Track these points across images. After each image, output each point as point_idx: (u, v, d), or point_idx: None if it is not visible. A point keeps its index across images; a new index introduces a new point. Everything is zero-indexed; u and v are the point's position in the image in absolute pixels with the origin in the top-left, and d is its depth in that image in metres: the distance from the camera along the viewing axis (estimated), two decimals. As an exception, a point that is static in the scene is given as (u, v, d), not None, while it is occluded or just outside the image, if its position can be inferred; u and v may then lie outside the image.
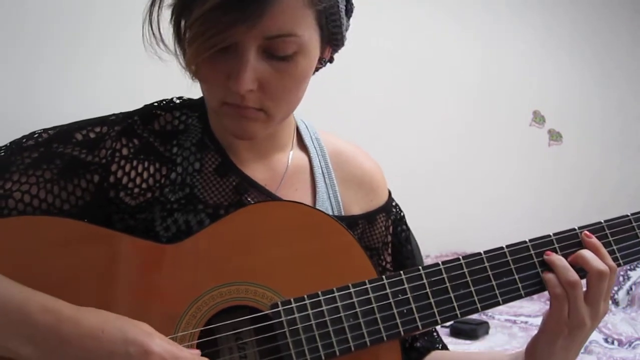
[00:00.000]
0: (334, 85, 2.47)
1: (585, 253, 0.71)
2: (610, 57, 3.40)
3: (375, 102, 2.73)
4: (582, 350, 2.36)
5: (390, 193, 0.90)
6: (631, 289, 2.62)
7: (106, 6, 2.17)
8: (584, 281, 0.70)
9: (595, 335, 2.28)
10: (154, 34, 0.68)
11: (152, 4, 0.68)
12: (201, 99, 0.82)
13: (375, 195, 0.87)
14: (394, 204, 0.89)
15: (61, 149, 0.72)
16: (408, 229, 0.90)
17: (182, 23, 0.66)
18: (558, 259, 0.71)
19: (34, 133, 0.73)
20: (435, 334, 0.88)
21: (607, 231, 0.74)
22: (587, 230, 0.73)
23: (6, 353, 0.59)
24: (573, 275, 0.69)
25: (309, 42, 0.67)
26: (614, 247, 0.74)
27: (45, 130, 0.74)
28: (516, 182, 3.14)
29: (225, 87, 0.66)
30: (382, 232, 0.85)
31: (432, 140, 2.90)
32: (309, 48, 0.67)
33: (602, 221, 0.75)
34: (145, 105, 0.79)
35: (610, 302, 2.67)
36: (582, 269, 0.70)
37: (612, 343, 2.23)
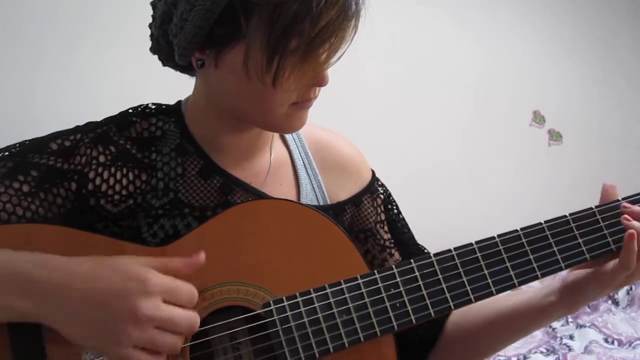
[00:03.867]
0: (332, 85, 2.47)
1: None
2: (611, 56, 3.39)
3: (374, 101, 2.73)
4: (582, 350, 2.33)
5: (374, 173, 0.90)
6: (631, 288, 2.61)
7: (106, 6, 2.17)
8: None
9: (595, 335, 2.28)
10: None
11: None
12: (176, 104, 0.82)
13: (359, 178, 0.88)
14: (379, 183, 0.90)
15: (37, 159, 0.72)
16: (397, 205, 0.90)
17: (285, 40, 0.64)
18: None
19: (8, 146, 0.74)
20: None
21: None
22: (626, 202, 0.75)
23: (6, 312, 0.59)
24: None
25: None
26: None
27: (20, 143, 0.74)
28: (516, 182, 3.13)
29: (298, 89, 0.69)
30: (371, 211, 0.86)
31: (432, 140, 2.90)
32: None
33: (620, 199, 0.77)
34: (121, 112, 0.79)
35: (610, 302, 2.66)
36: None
37: (612, 343, 2.22)
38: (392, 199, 0.90)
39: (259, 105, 0.70)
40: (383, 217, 0.87)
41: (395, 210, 0.89)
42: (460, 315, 0.84)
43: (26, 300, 0.58)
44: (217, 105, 0.76)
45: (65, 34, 2.12)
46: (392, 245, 0.86)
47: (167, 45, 0.73)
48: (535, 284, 0.79)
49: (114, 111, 0.81)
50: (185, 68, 0.78)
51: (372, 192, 0.87)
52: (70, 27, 2.12)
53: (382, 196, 0.88)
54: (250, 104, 0.70)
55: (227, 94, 0.72)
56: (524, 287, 0.74)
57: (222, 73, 0.70)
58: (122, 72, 2.17)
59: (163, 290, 0.58)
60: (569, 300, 0.76)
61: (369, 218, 0.85)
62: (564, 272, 0.76)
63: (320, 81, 0.70)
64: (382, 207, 0.87)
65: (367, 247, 0.85)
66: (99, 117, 0.79)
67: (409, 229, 0.90)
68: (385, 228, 0.87)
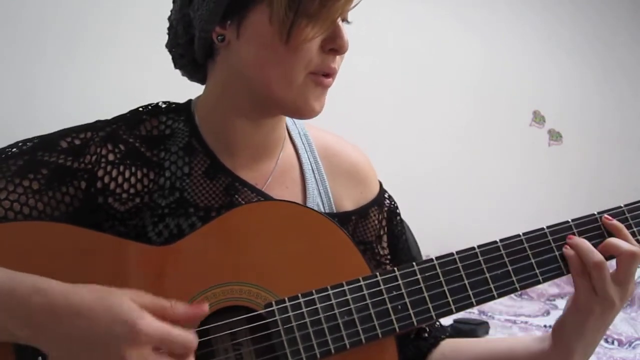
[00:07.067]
0: (333, 85, 2.47)
1: (612, 240, 0.71)
2: (611, 56, 3.39)
3: (374, 102, 2.73)
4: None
5: (381, 185, 0.89)
6: (631, 288, 2.62)
7: (106, 6, 2.17)
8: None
9: (595, 335, 2.28)
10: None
11: None
12: (187, 102, 0.82)
13: (366, 187, 0.87)
14: (386, 195, 0.89)
15: (46, 158, 0.71)
16: (402, 220, 0.89)
17: None
18: (581, 242, 0.71)
19: (17, 142, 0.73)
20: (438, 324, 0.87)
21: (628, 215, 0.75)
22: (607, 214, 0.74)
23: (7, 336, 0.58)
24: (598, 256, 0.69)
25: None
26: (635, 230, 0.75)
27: (29, 139, 0.73)
28: (516, 182, 3.14)
29: (318, 54, 0.69)
30: (376, 225, 0.85)
31: (432, 140, 2.90)
32: None
33: (622, 205, 0.76)
34: (131, 110, 0.79)
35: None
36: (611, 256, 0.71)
37: (612, 343, 2.22)
38: (398, 212, 0.89)
39: (280, 67, 0.69)
40: (385, 231, 0.87)
41: (399, 226, 0.88)
42: (450, 349, 0.84)
43: (25, 328, 0.57)
44: (235, 90, 0.75)
45: (65, 34, 2.12)
46: (387, 261, 0.86)
47: (186, 34, 0.74)
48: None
49: (113, 111, 0.80)
50: (196, 68, 0.78)
51: (379, 205, 0.86)
52: (70, 27, 2.13)
53: (386, 209, 0.88)
54: (271, 69, 0.70)
55: (247, 66, 0.71)
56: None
57: (243, 42, 0.70)
58: (122, 72, 2.17)
59: (153, 341, 0.56)
60: (560, 344, 0.73)
61: (372, 231, 0.85)
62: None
63: (340, 46, 0.69)
64: (384, 221, 0.87)
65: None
66: (98, 117, 0.79)
67: (408, 247, 0.89)
68: (384, 244, 0.86)
